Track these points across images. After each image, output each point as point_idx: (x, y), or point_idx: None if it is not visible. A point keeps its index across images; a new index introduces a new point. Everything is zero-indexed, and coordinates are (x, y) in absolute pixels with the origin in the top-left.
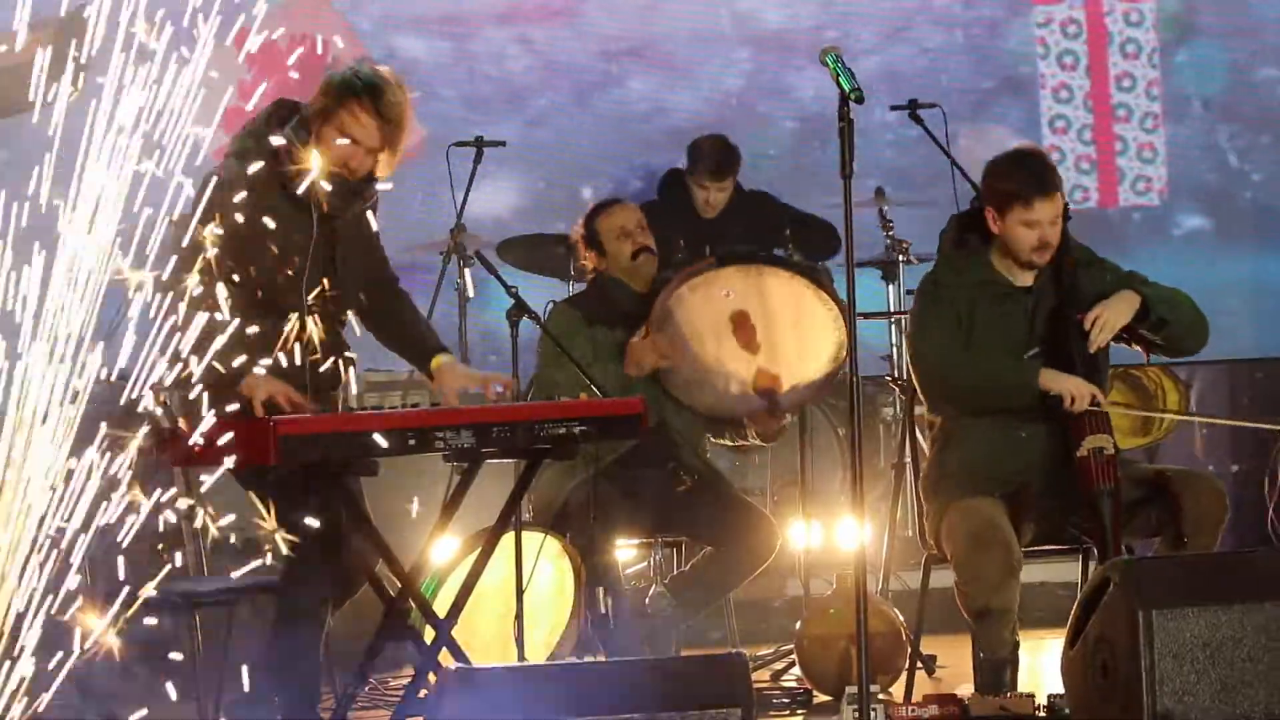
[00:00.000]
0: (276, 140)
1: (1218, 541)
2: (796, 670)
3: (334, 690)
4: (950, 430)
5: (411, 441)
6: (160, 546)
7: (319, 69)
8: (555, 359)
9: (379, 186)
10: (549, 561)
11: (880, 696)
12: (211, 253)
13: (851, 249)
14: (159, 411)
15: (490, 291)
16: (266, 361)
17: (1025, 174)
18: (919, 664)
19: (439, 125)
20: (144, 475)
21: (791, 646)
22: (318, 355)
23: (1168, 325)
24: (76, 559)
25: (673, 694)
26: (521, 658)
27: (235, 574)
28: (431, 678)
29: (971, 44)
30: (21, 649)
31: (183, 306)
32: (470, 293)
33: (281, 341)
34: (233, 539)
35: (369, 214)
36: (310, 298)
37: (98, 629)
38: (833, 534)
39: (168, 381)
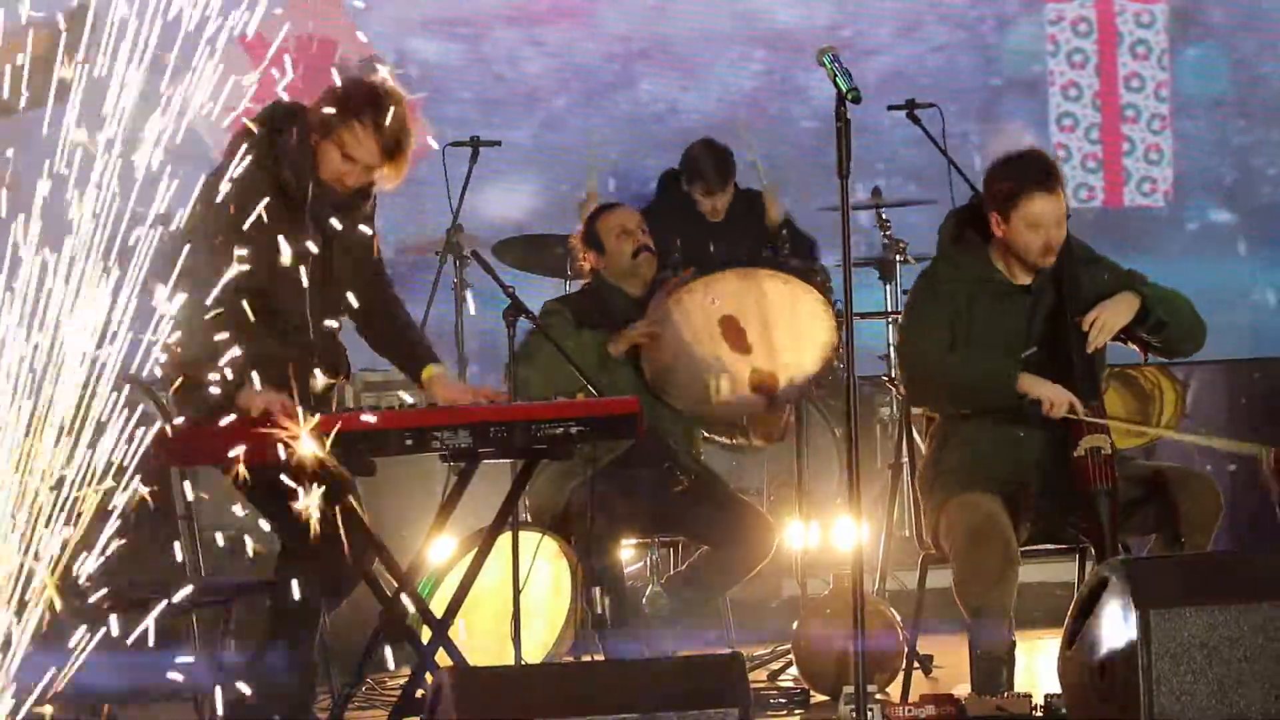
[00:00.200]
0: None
1: (1212, 540)
2: (794, 670)
3: (331, 690)
4: (948, 429)
5: (409, 442)
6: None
7: (326, 69)
8: (541, 343)
9: (387, 188)
10: (546, 561)
11: (877, 696)
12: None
13: (848, 249)
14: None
15: (487, 291)
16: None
17: (1026, 170)
18: (916, 664)
19: (452, 128)
20: (142, 474)
21: (789, 646)
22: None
23: (1166, 327)
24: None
25: (670, 694)
26: (518, 658)
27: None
28: (428, 678)
29: (982, 41)
30: (18, 649)
31: (180, 306)
32: (471, 310)
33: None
34: (228, 539)
35: (366, 222)
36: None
37: (95, 629)
38: (830, 534)
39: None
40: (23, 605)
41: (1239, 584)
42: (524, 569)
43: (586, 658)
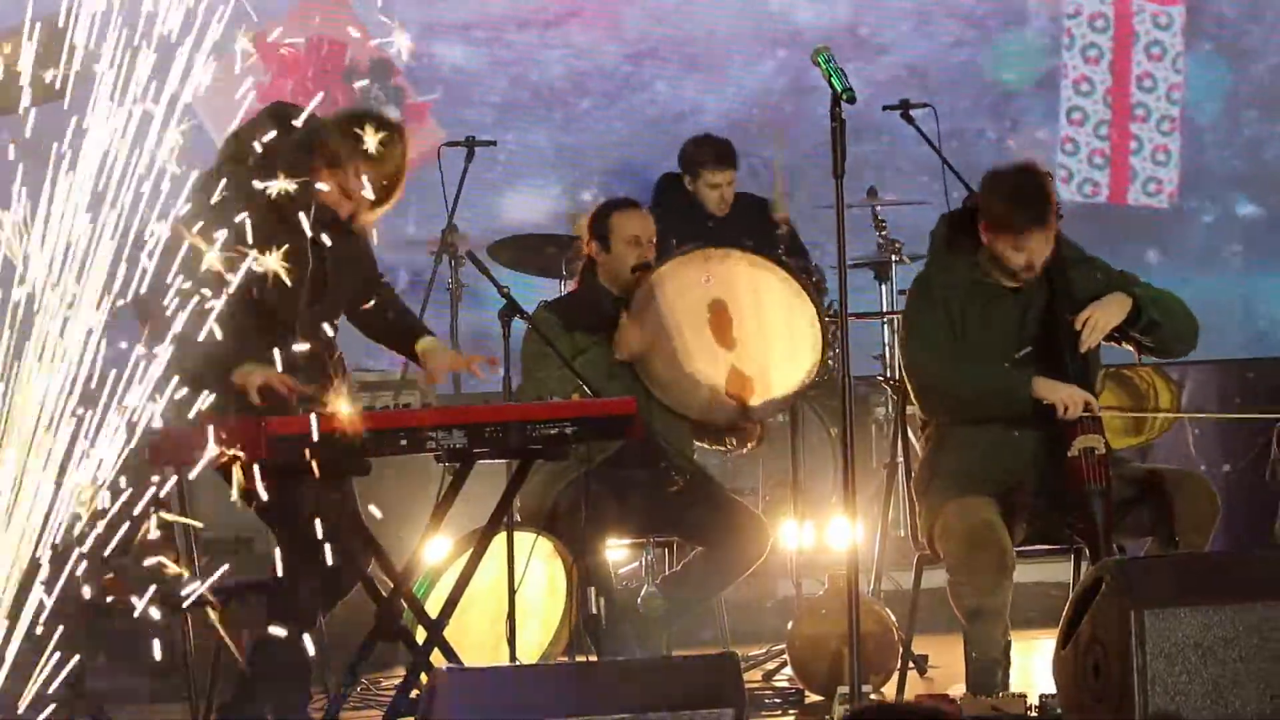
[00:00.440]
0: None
1: (1209, 541)
2: (788, 670)
3: (326, 690)
4: (943, 431)
5: (403, 442)
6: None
7: (337, 71)
8: (540, 359)
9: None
10: (541, 562)
11: (872, 697)
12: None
13: (843, 249)
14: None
15: (483, 291)
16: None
17: (1021, 205)
18: (911, 664)
19: (470, 131)
20: (136, 476)
21: (783, 646)
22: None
23: (1159, 327)
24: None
25: (664, 694)
26: (513, 658)
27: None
28: (423, 678)
29: (999, 37)
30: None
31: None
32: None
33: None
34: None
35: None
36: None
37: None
38: (824, 534)
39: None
40: (19, 605)
41: (1233, 584)
42: (519, 569)
43: (581, 658)
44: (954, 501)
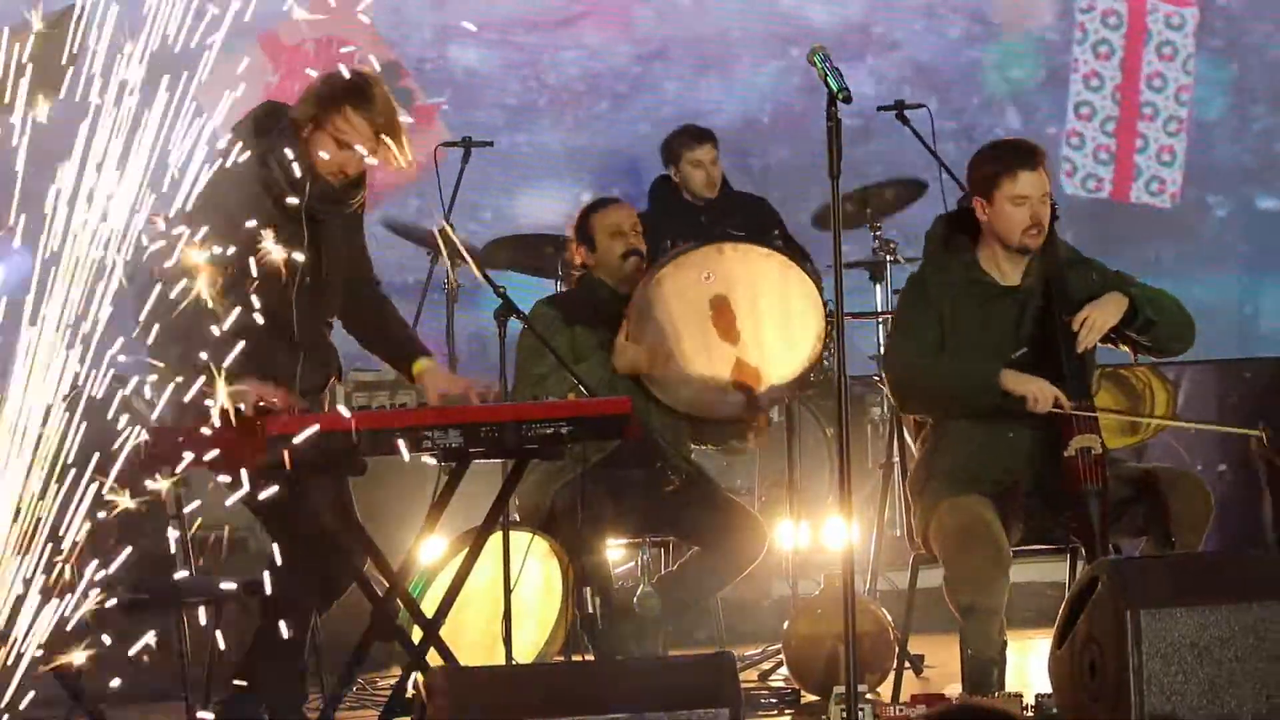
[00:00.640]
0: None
1: (1203, 541)
2: (784, 670)
3: (321, 690)
4: (939, 431)
5: (399, 441)
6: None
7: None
8: (538, 356)
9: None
10: (537, 561)
11: (868, 696)
12: (204, 255)
13: (839, 249)
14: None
15: (479, 291)
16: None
17: (1008, 151)
18: (907, 664)
19: (483, 132)
20: (132, 475)
21: (779, 646)
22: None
23: (1155, 326)
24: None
25: (660, 694)
26: (509, 658)
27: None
28: (419, 678)
29: (1013, 35)
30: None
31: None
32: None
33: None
34: (219, 538)
35: (357, 220)
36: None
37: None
38: (820, 534)
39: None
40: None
41: (1229, 584)
42: (515, 569)
43: (577, 658)
44: (949, 501)
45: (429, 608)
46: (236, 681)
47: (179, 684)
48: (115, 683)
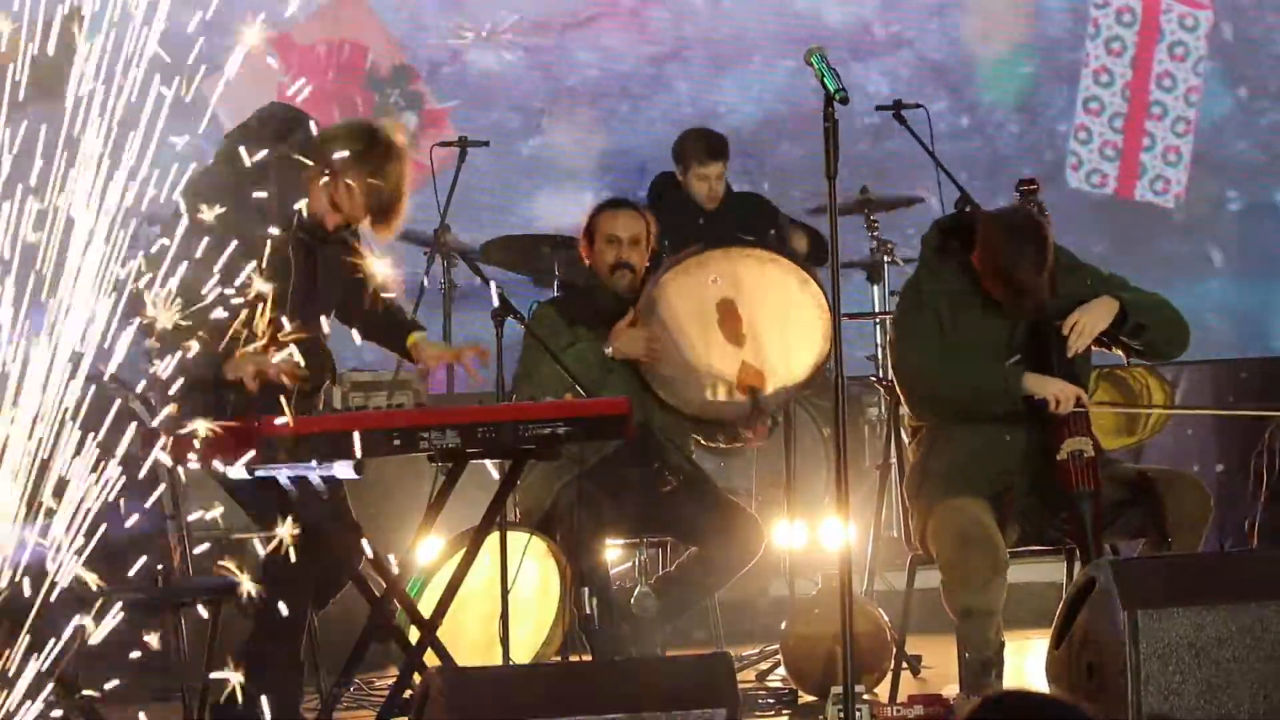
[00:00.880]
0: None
1: (1201, 542)
2: (782, 670)
3: (319, 690)
4: (935, 433)
5: (396, 442)
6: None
7: (358, 73)
8: (540, 358)
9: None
10: (534, 562)
11: (865, 697)
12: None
13: (837, 249)
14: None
15: (476, 292)
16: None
17: (1023, 251)
18: (904, 664)
19: (496, 133)
20: (130, 475)
21: (777, 647)
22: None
23: (1146, 331)
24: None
25: (658, 694)
26: (506, 658)
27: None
28: (416, 678)
29: (1025, 33)
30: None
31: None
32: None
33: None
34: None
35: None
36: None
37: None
38: (818, 534)
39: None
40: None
41: (1226, 584)
42: (512, 569)
43: (575, 658)
44: (946, 503)
45: (426, 608)
46: (233, 682)
47: (176, 684)
48: (115, 683)
